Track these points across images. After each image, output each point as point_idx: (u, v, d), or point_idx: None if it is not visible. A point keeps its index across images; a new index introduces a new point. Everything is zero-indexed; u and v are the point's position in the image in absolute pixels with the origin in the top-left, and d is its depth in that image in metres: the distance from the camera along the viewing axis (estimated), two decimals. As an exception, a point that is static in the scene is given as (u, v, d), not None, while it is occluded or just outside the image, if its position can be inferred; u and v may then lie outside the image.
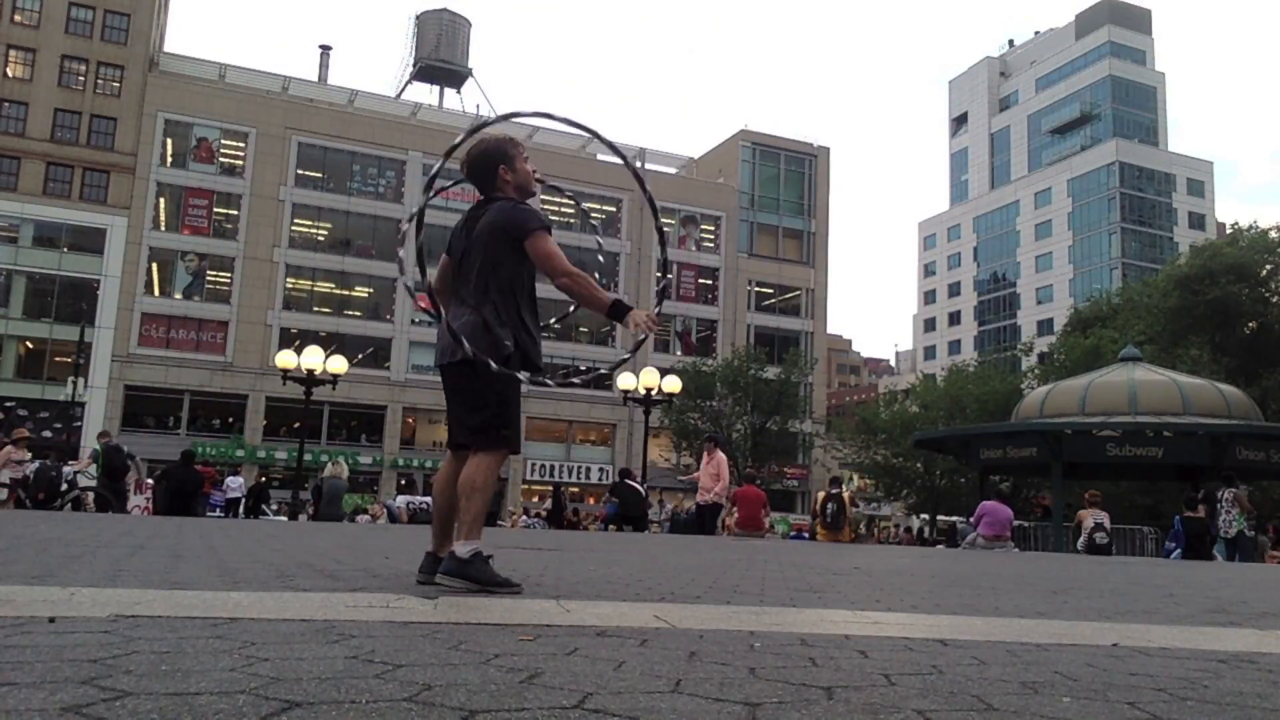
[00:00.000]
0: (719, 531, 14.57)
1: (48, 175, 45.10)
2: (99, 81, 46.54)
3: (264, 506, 22.23)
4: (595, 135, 4.22)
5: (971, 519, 16.28)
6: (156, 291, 46.29)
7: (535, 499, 46.19)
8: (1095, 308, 51.55)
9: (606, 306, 3.74)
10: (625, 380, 21.71)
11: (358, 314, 49.29)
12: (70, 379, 36.50)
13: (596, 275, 4.06)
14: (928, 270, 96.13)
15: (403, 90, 62.62)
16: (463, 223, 3.95)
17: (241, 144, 48.09)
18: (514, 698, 1.52)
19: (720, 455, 14.87)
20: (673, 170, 60.93)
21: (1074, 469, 24.59)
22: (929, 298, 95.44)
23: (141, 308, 45.21)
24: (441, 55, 61.44)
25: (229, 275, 47.06)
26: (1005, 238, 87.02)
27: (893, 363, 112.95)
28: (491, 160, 3.88)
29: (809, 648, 2.26)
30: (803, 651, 2.20)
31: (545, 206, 53.01)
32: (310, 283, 48.89)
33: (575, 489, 49.08)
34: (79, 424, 40.58)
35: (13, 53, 45.85)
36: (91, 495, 15.73)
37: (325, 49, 62.93)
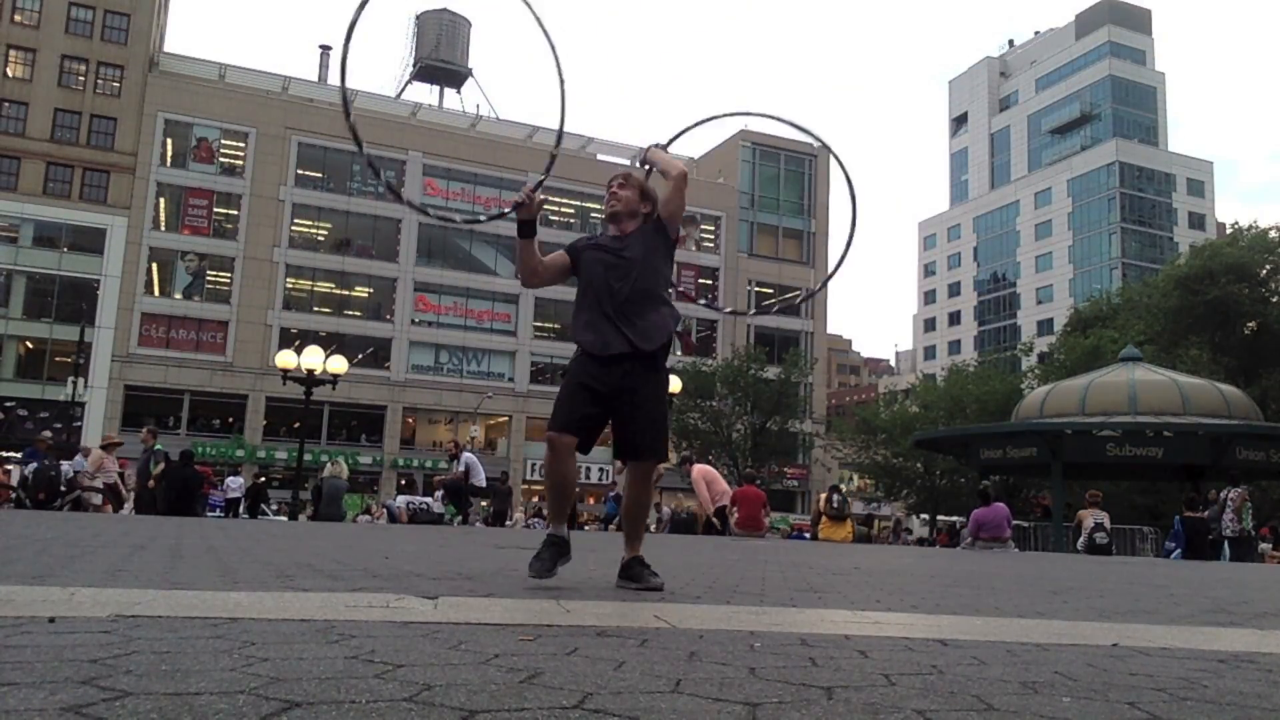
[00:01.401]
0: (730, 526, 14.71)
1: (48, 175, 45.10)
2: (99, 81, 46.55)
3: (264, 506, 22.22)
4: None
5: (968, 528, 16.04)
6: (156, 291, 46.29)
7: (535, 499, 46.20)
8: (1095, 308, 51.55)
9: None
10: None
11: (358, 314, 49.30)
12: (70, 379, 36.49)
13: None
14: (928, 270, 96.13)
15: (403, 90, 62.65)
16: None
17: (241, 144, 48.10)
18: (514, 698, 1.52)
19: (695, 472, 15.20)
20: (673, 170, 60.85)
21: (1074, 469, 24.59)
22: (929, 298, 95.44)
23: (141, 308, 45.22)
24: (441, 55, 61.46)
25: (229, 275, 47.07)
26: (1005, 238, 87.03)
27: (893, 363, 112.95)
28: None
29: (809, 648, 2.26)
30: (803, 651, 2.20)
31: (546, 206, 52.96)
32: (310, 283, 48.91)
33: (575, 488, 49.05)
34: (79, 424, 40.56)
35: (13, 53, 45.85)
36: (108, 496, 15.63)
37: (325, 49, 62.93)
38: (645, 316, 3.98)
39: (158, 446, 15.46)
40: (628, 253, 4.07)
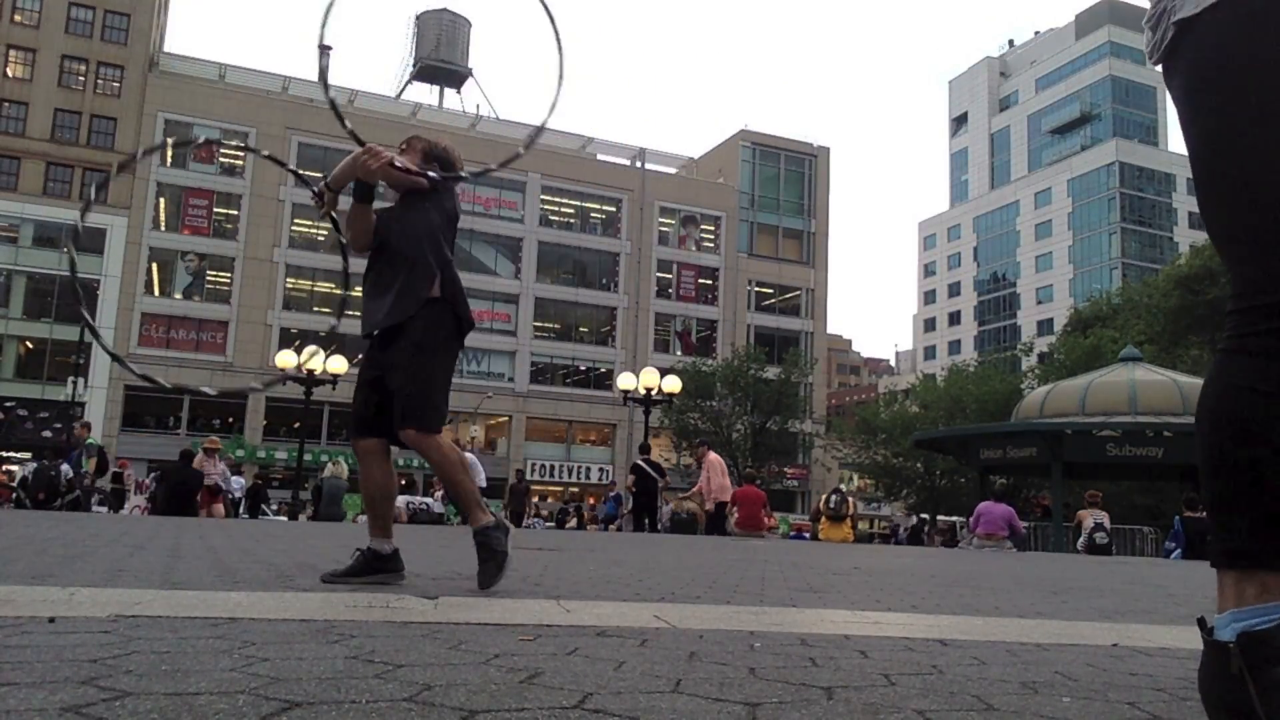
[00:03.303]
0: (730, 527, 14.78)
1: (48, 175, 45.12)
2: (99, 81, 46.56)
3: (263, 506, 22.23)
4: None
5: (971, 520, 16.28)
6: (156, 291, 46.30)
7: (536, 499, 46.23)
8: (1095, 308, 51.58)
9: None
10: (625, 380, 21.71)
11: (358, 314, 49.24)
12: (70, 379, 36.50)
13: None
14: (928, 270, 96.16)
15: (403, 90, 62.66)
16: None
17: (241, 144, 48.14)
18: (514, 698, 1.52)
19: (709, 458, 15.22)
20: (673, 170, 60.92)
21: (1074, 469, 24.59)
22: (929, 298, 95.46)
23: (141, 308, 45.24)
24: (441, 55, 61.48)
25: (229, 275, 47.09)
26: (1005, 238, 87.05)
27: (893, 363, 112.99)
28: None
29: (809, 648, 2.26)
30: (803, 651, 2.20)
31: (545, 207, 53.10)
32: (310, 283, 48.91)
33: (575, 489, 49.10)
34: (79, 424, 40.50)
35: (13, 53, 45.86)
36: (95, 497, 15.69)
37: (325, 49, 62.93)
38: (393, 288, 3.75)
39: (90, 441, 15.34)
40: (395, 224, 3.81)
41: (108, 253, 44.72)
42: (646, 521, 15.77)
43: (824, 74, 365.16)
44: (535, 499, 45.48)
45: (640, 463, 15.69)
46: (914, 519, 48.37)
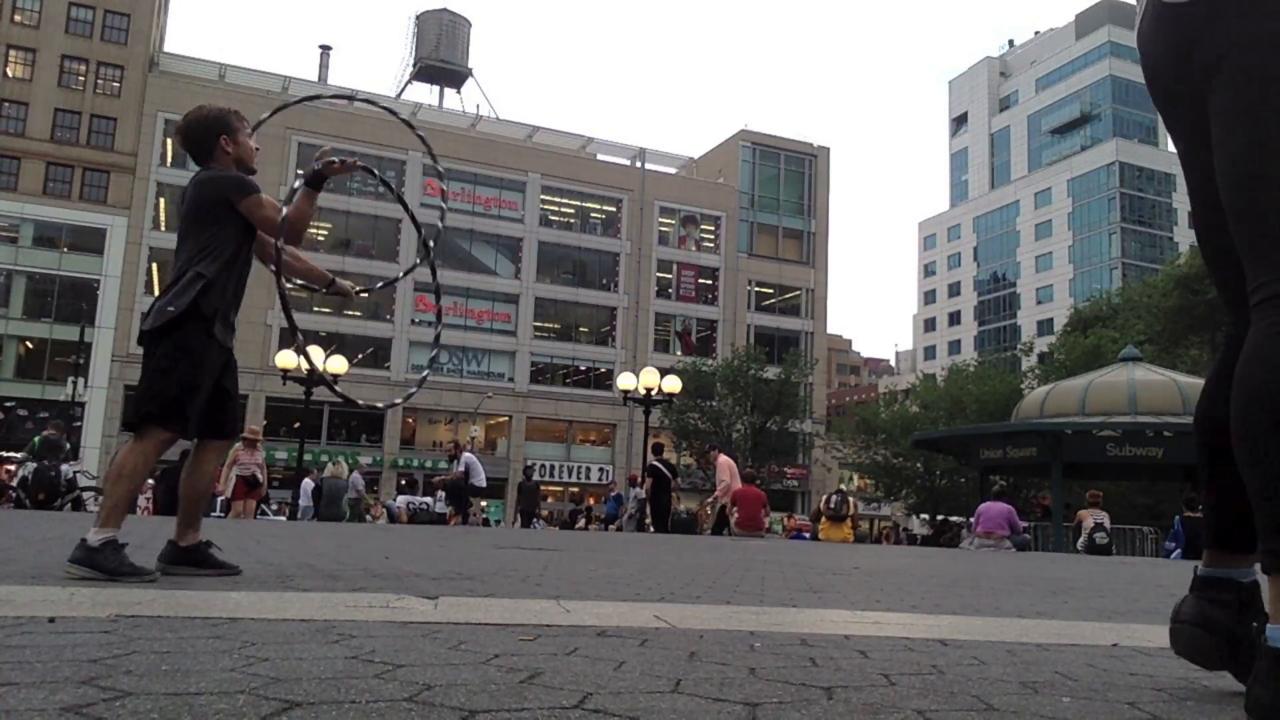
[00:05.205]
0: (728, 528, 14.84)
1: (48, 175, 45.13)
2: (99, 81, 46.58)
3: (263, 506, 22.21)
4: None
5: (973, 520, 16.35)
6: (156, 291, 46.07)
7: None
8: (1095, 308, 51.61)
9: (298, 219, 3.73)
10: (625, 380, 21.74)
11: (358, 314, 49.31)
12: (70, 379, 36.52)
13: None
14: (928, 270, 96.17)
15: (403, 90, 62.71)
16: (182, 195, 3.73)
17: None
18: (514, 698, 1.52)
19: (720, 460, 15.32)
20: (673, 170, 60.94)
21: (1074, 469, 24.61)
22: (929, 298, 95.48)
23: (141, 308, 45.05)
24: (441, 55, 61.53)
25: (229, 275, 47.13)
26: (1005, 238, 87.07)
27: (893, 363, 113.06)
28: (212, 129, 3.69)
29: (809, 648, 2.26)
30: (803, 651, 2.20)
31: (545, 207, 53.12)
32: (310, 282, 48.92)
33: (575, 489, 49.12)
34: (79, 424, 40.57)
35: (13, 53, 45.89)
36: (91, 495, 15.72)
37: (325, 49, 63.04)
38: (166, 293, 3.54)
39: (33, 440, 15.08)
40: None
41: (108, 253, 44.75)
42: (657, 520, 15.89)
43: (824, 74, 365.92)
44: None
45: (657, 463, 15.90)
46: (918, 520, 48.39)
